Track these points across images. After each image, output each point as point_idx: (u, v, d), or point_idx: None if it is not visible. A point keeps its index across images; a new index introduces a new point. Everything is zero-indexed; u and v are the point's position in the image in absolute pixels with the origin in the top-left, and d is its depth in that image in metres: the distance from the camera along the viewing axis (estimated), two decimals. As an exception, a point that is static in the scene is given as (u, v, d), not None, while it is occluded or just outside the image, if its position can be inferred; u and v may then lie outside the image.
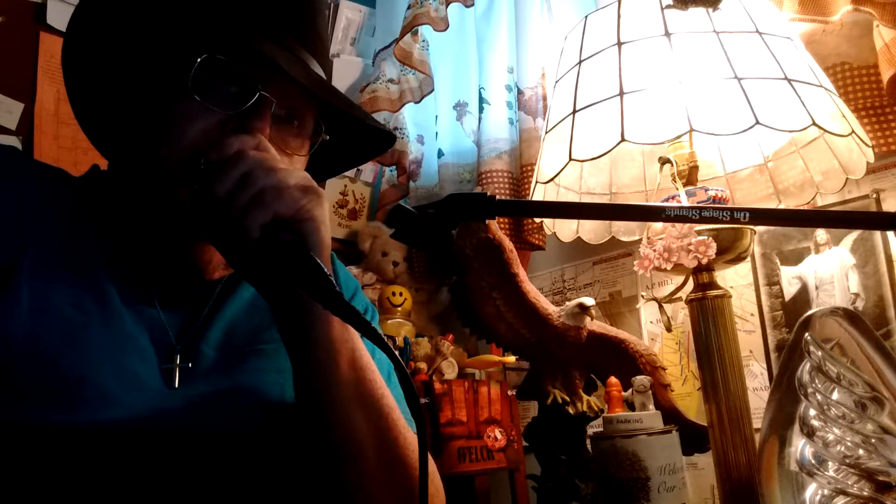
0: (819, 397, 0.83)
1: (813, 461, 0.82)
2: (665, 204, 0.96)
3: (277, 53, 0.68)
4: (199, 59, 0.66)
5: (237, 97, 0.67)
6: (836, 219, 0.87)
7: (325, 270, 0.58)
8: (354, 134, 0.81)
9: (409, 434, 0.72)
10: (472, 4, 1.71)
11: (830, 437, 0.82)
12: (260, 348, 0.75)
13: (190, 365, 0.70)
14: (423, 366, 1.45)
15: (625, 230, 1.30)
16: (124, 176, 0.73)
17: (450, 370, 1.46)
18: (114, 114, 0.75)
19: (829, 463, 0.81)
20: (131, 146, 0.71)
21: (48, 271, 0.65)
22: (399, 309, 1.69)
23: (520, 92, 1.65)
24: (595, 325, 1.17)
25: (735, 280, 1.34)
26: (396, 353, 0.56)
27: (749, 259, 1.21)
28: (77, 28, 0.73)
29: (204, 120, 0.67)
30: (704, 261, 1.01)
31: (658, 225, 1.07)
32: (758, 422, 0.96)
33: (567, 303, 1.16)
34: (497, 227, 1.15)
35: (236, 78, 0.68)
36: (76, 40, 0.74)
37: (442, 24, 1.68)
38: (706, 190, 1.06)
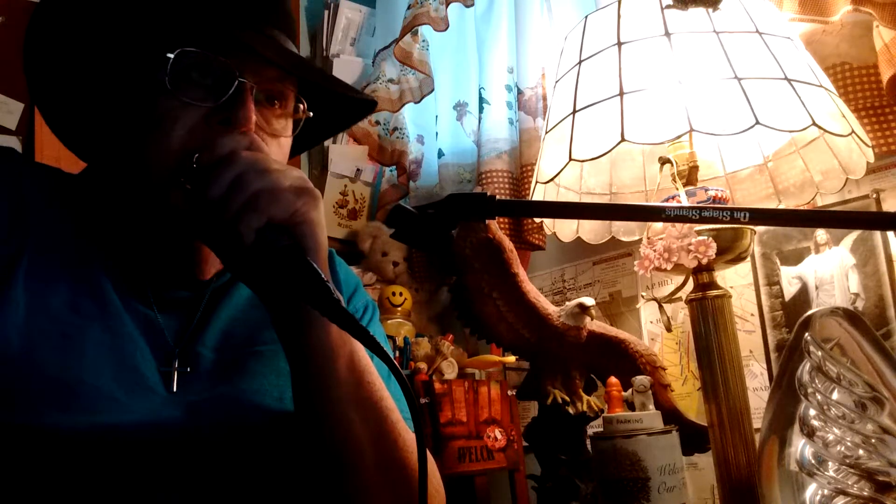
0: (819, 397, 0.83)
1: (813, 461, 0.82)
2: (665, 204, 0.96)
3: (250, 37, 0.66)
4: (172, 55, 0.64)
5: (216, 87, 0.66)
6: (836, 219, 0.87)
7: (321, 275, 0.57)
8: (336, 103, 0.79)
9: (408, 436, 0.71)
10: (472, 4, 1.71)
11: (830, 437, 0.82)
12: (259, 350, 0.74)
13: (188, 369, 0.69)
14: (423, 366, 1.45)
15: (625, 230, 1.30)
16: (111, 176, 0.71)
17: (450, 370, 1.46)
18: (88, 116, 0.73)
19: (829, 463, 0.81)
20: (114, 148, 0.70)
21: (45, 273, 0.64)
22: (399, 309, 1.69)
23: (520, 92, 1.65)
24: (595, 325, 1.17)
25: (735, 280, 1.34)
26: (394, 358, 0.56)
27: (749, 259, 1.21)
28: (40, 28, 0.71)
29: (187, 116, 0.65)
30: (704, 261, 1.01)
31: (658, 225, 1.07)
32: (758, 422, 0.96)
33: (567, 303, 1.16)
34: (497, 227, 1.15)
35: (212, 68, 0.66)
36: (39, 40, 0.71)
37: (442, 24, 1.68)
38: (706, 190, 1.06)
